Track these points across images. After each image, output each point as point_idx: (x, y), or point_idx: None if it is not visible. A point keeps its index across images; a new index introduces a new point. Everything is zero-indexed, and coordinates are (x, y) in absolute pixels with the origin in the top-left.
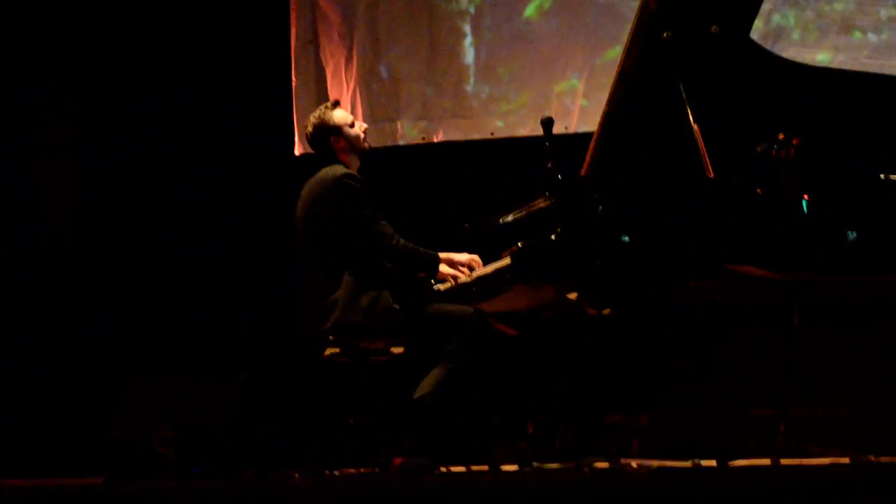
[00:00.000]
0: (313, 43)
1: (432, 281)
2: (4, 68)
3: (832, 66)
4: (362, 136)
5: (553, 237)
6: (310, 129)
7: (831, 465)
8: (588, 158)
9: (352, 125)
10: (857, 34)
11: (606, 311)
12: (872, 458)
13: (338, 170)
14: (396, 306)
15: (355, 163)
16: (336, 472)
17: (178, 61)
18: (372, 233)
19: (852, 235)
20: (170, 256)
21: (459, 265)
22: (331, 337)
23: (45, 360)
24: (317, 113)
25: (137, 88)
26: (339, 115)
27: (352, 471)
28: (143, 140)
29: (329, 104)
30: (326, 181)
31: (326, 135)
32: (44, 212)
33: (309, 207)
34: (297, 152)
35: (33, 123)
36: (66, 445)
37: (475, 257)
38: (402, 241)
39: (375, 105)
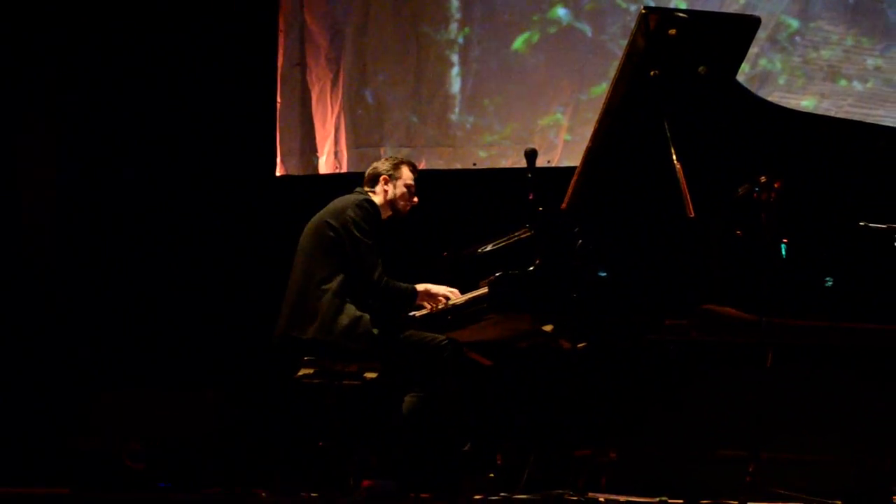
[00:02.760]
0: (300, 65)
1: (410, 308)
2: None
3: (817, 112)
4: (407, 205)
5: (531, 269)
6: (378, 164)
7: None
8: (570, 192)
9: (408, 189)
10: (843, 82)
11: (581, 345)
12: None
13: (364, 196)
14: (375, 331)
15: (382, 210)
16: (304, 493)
17: (166, 77)
18: (365, 261)
19: (829, 281)
20: (146, 270)
21: (437, 296)
22: (305, 357)
23: (14, 369)
24: (392, 159)
25: (122, 103)
26: (407, 173)
27: (320, 492)
28: (125, 154)
29: (409, 163)
30: (350, 199)
31: (382, 174)
32: (22, 223)
33: (323, 217)
34: (278, 173)
35: (17, 142)
36: (34, 456)
37: (453, 290)
38: (386, 279)
39: (359, 130)
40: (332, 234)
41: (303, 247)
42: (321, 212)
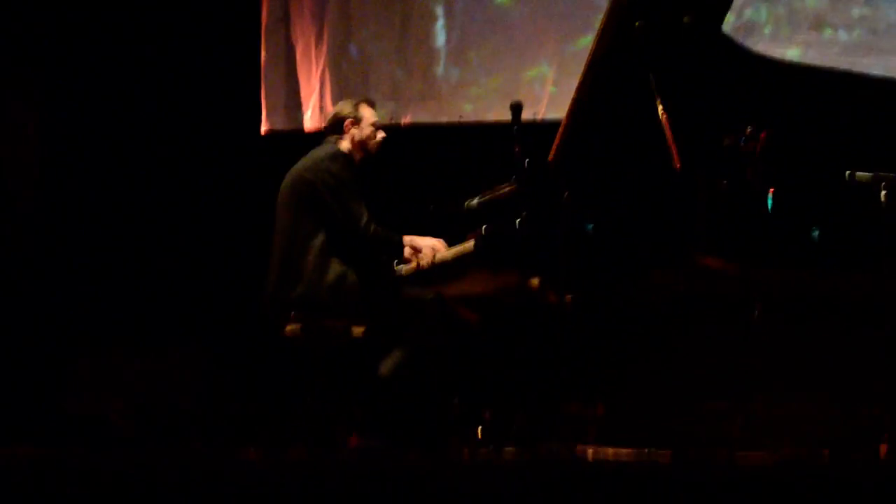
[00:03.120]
0: (284, 21)
1: (395, 263)
2: None
3: (802, 62)
4: (376, 142)
5: (517, 222)
6: (336, 110)
7: (786, 460)
8: (555, 145)
9: (373, 126)
10: (829, 31)
11: (568, 299)
12: (826, 453)
13: (337, 147)
14: (361, 286)
15: (354, 155)
16: (291, 451)
17: (148, 34)
18: (350, 211)
19: (816, 232)
20: (131, 227)
21: (422, 248)
22: (292, 313)
23: (3, 330)
24: (349, 101)
25: (102, 63)
26: (368, 112)
27: (307, 450)
28: (107, 112)
29: (365, 100)
30: (322, 154)
31: (345, 118)
32: (5, 181)
33: (298, 173)
34: (263, 129)
35: None
36: (20, 416)
37: (439, 240)
38: (374, 226)
39: (344, 85)
40: (309, 189)
41: (282, 205)
42: (295, 168)
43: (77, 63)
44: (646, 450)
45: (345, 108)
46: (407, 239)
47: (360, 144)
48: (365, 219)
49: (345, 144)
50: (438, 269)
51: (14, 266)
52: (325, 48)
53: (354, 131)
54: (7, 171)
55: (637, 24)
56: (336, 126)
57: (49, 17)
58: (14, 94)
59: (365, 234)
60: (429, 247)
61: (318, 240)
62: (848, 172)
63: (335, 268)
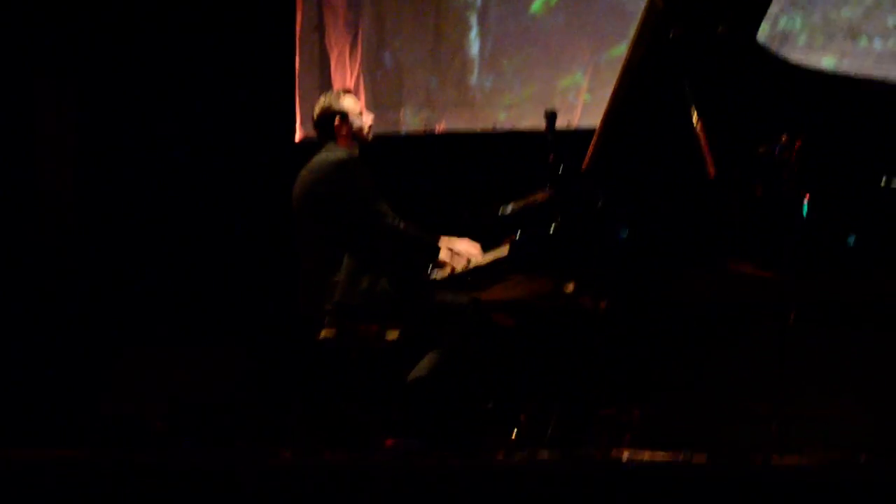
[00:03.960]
0: (318, 29)
1: (430, 268)
2: (4, 62)
3: (837, 71)
4: (367, 127)
5: (552, 229)
6: (318, 110)
7: (822, 464)
8: (590, 153)
9: (360, 114)
10: (864, 40)
11: (602, 305)
12: (864, 458)
13: (339, 153)
14: (395, 292)
15: (354, 151)
16: (327, 453)
17: (182, 45)
18: (372, 211)
19: (851, 239)
20: (169, 230)
21: (458, 252)
22: (327, 319)
23: (40, 331)
24: (327, 95)
25: (139, 72)
26: (350, 102)
27: (343, 452)
28: (144, 121)
29: (342, 90)
30: (328, 164)
31: (332, 117)
32: (42, 184)
33: (309, 189)
34: (297, 138)
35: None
36: (58, 417)
37: (475, 244)
38: (402, 222)
39: (379, 93)
40: (326, 206)
41: (301, 219)
42: (302, 181)
43: (112, 73)
44: (681, 453)
45: (325, 107)
46: (444, 241)
47: (353, 137)
48: (389, 216)
49: (341, 144)
50: (473, 275)
51: (52, 269)
52: (359, 56)
53: (346, 126)
54: (45, 178)
55: (671, 32)
56: (326, 130)
57: (84, 27)
58: (50, 105)
59: (394, 229)
60: (465, 251)
61: (347, 253)
62: (884, 178)
63: (367, 275)
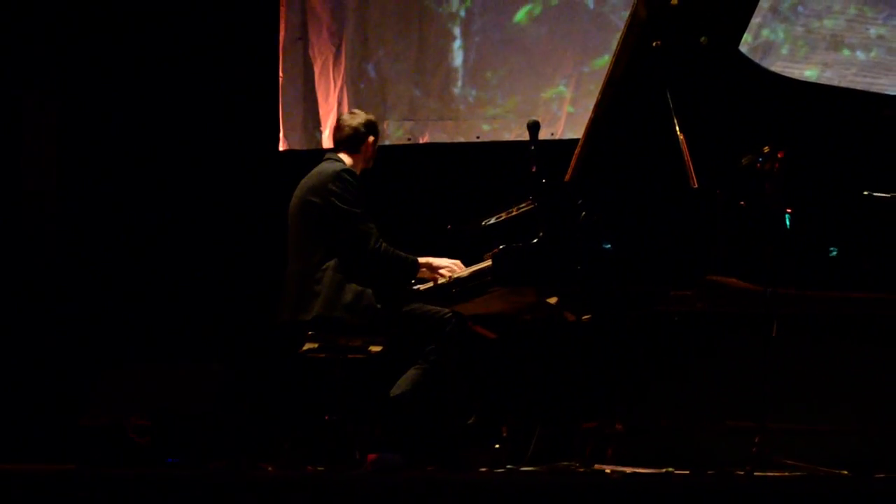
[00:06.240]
0: (302, 39)
1: (412, 280)
2: None
3: (820, 82)
4: (375, 155)
5: (535, 241)
6: (358, 121)
7: (804, 479)
8: (573, 164)
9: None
10: (846, 51)
11: (586, 318)
12: (845, 474)
13: (339, 165)
14: (378, 305)
15: (357, 169)
16: (310, 467)
17: (167, 53)
18: (358, 231)
19: (834, 251)
20: (150, 245)
21: (439, 269)
22: (310, 332)
23: (21, 346)
24: (369, 114)
25: (124, 79)
26: (379, 129)
27: (325, 466)
28: (128, 131)
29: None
30: (327, 173)
31: (367, 135)
32: (25, 201)
33: (305, 196)
34: (281, 148)
35: (21, 115)
36: (39, 433)
37: (456, 262)
38: (384, 244)
39: (362, 104)
40: (318, 214)
41: (293, 227)
42: (301, 189)
43: (97, 82)
44: (664, 469)
45: (367, 122)
46: (423, 260)
47: (368, 158)
48: (374, 239)
49: (350, 159)
50: (456, 288)
51: (33, 285)
52: (342, 67)
53: (370, 150)
54: (27, 193)
55: (654, 43)
56: (354, 142)
57: (70, 33)
58: (34, 115)
59: (375, 252)
60: (446, 267)
61: (333, 261)
62: (865, 192)
63: (351, 288)
